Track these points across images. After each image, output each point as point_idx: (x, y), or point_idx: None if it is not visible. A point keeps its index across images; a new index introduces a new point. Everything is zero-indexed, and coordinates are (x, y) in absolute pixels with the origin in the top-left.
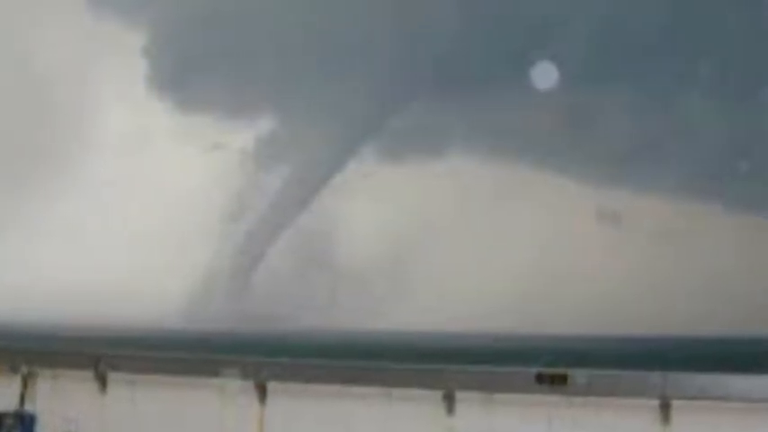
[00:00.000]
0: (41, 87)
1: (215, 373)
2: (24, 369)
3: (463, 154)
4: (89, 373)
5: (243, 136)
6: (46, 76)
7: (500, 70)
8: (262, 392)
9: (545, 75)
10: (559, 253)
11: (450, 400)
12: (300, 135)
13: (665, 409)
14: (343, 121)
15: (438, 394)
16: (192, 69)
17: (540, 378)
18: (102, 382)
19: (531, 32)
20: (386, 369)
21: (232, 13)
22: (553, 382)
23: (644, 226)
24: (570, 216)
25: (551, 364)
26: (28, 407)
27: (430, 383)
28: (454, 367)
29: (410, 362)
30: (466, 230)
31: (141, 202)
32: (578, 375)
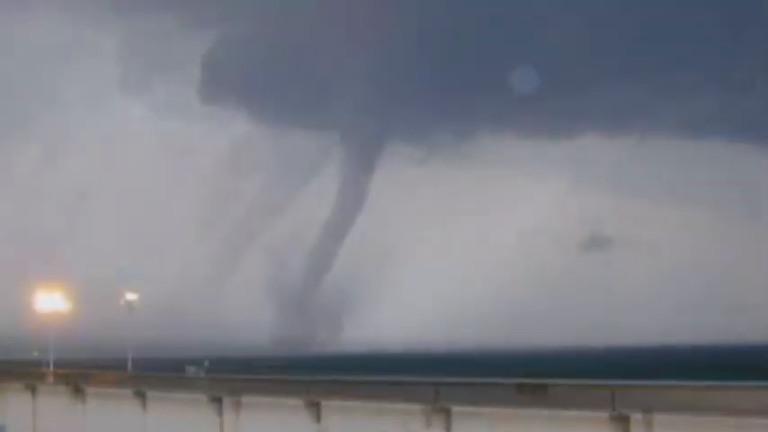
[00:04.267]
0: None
1: None
2: None
3: None
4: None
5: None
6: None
7: None
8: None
9: None
10: None
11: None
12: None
13: (624, 422)
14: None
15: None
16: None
17: (520, 389)
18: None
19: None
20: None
21: None
22: (534, 392)
23: None
24: None
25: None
26: None
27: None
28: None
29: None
30: None
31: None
32: (552, 387)
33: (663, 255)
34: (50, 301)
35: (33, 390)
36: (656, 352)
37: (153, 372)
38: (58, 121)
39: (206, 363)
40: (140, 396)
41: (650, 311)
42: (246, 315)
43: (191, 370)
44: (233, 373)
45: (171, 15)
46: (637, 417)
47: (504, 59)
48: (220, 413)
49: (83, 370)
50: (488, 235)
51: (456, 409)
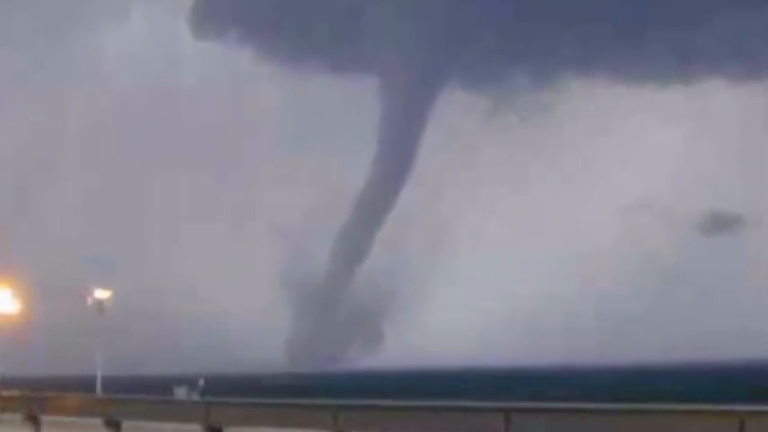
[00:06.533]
0: None
1: None
2: None
3: None
4: None
5: None
6: None
7: None
8: None
9: None
10: None
11: None
12: None
13: None
14: None
15: None
16: None
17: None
18: None
19: None
20: None
21: None
22: None
23: None
24: None
25: None
26: None
27: None
28: None
29: None
30: None
31: None
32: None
33: None
34: None
35: None
36: None
37: (130, 394)
38: (5, 61)
39: (201, 382)
40: (113, 427)
41: None
42: (253, 319)
43: (180, 392)
44: (236, 396)
45: None
46: None
47: None
48: None
49: (37, 391)
50: (576, 212)
51: None
